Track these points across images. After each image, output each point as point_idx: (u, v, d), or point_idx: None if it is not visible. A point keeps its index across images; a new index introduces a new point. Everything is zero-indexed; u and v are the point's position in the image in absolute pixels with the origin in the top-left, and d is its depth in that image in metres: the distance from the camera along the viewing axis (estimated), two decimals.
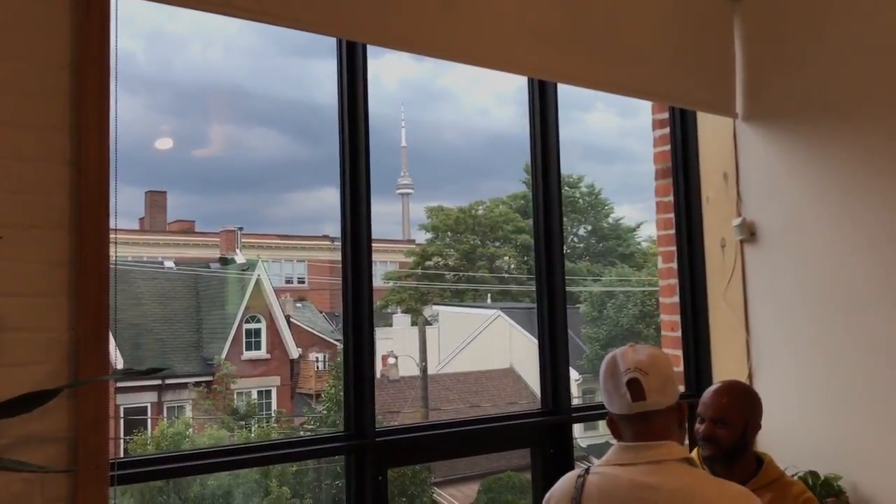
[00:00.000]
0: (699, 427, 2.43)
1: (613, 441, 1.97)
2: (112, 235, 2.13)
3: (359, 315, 2.78)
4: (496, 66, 2.87)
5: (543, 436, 3.18)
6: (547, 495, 1.96)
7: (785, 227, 3.47)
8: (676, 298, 3.80)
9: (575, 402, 3.27)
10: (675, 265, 3.82)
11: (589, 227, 21.70)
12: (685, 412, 1.92)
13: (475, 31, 2.82)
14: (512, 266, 20.82)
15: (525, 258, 19.41)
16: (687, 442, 3.72)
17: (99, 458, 2.04)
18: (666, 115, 3.86)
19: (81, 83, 2.08)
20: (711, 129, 3.74)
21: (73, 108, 2.07)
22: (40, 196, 2.04)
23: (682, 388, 3.75)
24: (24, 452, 1.94)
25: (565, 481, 1.93)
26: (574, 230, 21.37)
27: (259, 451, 2.68)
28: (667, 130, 3.86)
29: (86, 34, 2.09)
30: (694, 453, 2.62)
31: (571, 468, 3.24)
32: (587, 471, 1.89)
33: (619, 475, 1.82)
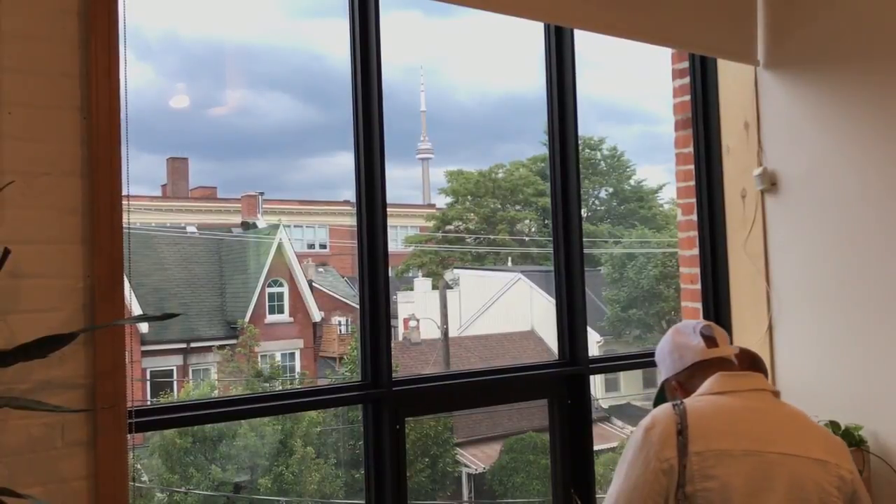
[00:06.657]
0: None
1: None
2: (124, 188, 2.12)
3: (374, 267, 2.78)
4: (508, 10, 2.81)
5: (560, 387, 3.17)
6: (649, 422, 1.86)
7: (807, 177, 3.40)
8: (696, 251, 3.75)
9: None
10: (694, 217, 3.77)
11: (610, 190, 21.48)
12: None
13: None
14: (533, 229, 20.73)
15: (546, 221, 19.31)
16: None
17: (117, 402, 2.07)
18: (685, 65, 3.78)
19: (89, 28, 2.06)
20: (732, 78, 3.66)
21: (82, 54, 2.06)
22: (52, 143, 2.03)
23: None
24: (43, 398, 1.96)
25: (665, 409, 1.89)
26: (595, 193, 21.17)
27: (278, 400, 2.71)
28: (686, 80, 3.78)
29: None
30: None
31: (589, 421, 3.24)
32: (681, 402, 1.89)
33: (727, 401, 1.89)
